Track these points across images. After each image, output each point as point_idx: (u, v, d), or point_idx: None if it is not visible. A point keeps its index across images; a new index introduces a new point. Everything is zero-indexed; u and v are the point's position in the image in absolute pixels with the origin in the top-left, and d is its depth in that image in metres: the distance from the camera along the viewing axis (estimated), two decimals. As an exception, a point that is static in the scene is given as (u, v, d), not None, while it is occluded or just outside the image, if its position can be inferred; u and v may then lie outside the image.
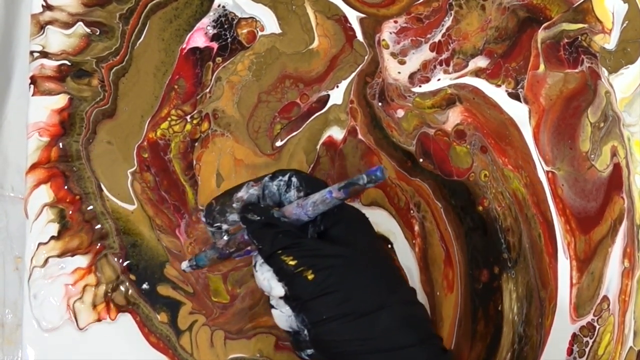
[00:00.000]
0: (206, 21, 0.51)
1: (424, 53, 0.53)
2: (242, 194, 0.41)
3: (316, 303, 0.36)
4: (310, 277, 0.36)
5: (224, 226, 0.41)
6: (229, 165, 0.50)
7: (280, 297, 0.38)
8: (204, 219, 0.42)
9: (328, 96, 0.52)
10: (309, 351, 0.38)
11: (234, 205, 0.41)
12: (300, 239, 0.38)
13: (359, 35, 0.53)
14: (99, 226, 0.48)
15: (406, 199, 0.51)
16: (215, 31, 0.51)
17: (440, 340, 0.38)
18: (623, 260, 0.54)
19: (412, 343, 0.36)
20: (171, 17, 0.51)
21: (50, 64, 0.49)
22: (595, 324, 0.53)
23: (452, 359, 0.38)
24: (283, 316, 0.38)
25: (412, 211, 0.51)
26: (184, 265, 0.42)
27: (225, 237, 0.41)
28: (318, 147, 0.51)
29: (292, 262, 0.37)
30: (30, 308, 0.46)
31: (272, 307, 0.39)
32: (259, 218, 0.39)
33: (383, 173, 0.36)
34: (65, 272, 0.47)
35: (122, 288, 0.48)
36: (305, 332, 0.37)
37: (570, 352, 0.53)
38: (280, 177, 0.40)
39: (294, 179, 0.40)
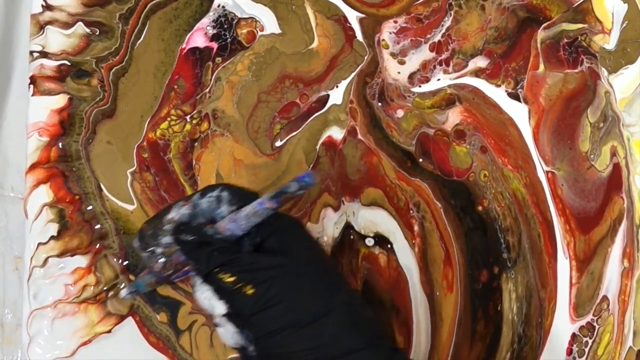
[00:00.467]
0: (206, 21, 0.51)
1: (424, 53, 0.53)
2: (173, 214, 0.39)
3: (259, 318, 0.35)
4: (250, 292, 0.35)
5: (158, 249, 0.40)
6: (229, 165, 0.50)
7: (223, 315, 0.37)
8: (136, 245, 0.40)
9: (328, 96, 0.52)
10: None
11: (166, 227, 0.39)
12: (236, 254, 0.37)
13: (359, 35, 0.53)
14: (98, 226, 0.48)
15: (406, 199, 0.51)
16: (215, 31, 0.51)
17: (390, 340, 0.38)
18: (622, 260, 0.54)
19: (361, 346, 0.36)
20: (171, 17, 0.51)
21: (50, 64, 0.49)
22: (595, 324, 0.53)
23: (405, 358, 0.37)
24: (228, 333, 0.37)
25: (411, 211, 0.51)
26: (124, 292, 0.41)
27: (162, 260, 0.40)
28: (318, 147, 0.51)
29: (230, 279, 0.36)
30: (30, 308, 0.46)
31: (217, 325, 0.38)
32: (192, 237, 0.38)
33: (312, 178, 0.35)
34: (64, 272, 0.47)
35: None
36: (251, 347, 0.36)
37: (569, 352, 0.53)
38: (210, 194, 0.39)
39: (224, 194, 0.39)
